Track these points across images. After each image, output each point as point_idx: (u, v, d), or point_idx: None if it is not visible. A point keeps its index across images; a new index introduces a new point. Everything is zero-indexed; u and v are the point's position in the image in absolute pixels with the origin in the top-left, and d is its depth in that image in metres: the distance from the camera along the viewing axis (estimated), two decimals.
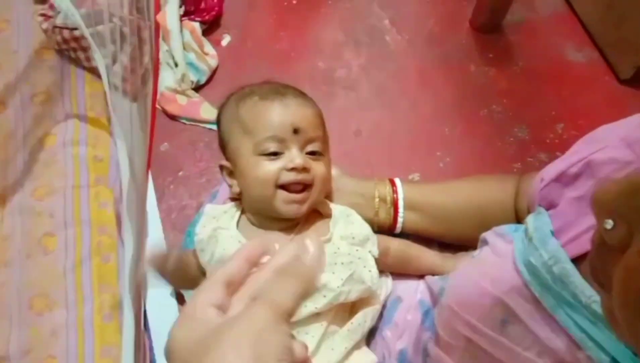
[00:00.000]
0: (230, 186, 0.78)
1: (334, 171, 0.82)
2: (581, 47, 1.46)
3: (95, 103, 1.21)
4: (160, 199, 1.16)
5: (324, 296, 0.67)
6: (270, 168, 0.71)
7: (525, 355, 0.53)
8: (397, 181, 0.85)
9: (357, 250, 0.73)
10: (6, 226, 1.05)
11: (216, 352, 0.31)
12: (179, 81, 1.27)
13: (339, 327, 0.69)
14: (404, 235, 0.88)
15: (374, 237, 0.76)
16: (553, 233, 0.55)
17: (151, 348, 1.00)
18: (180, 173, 1.20)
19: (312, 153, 0.73)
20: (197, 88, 1.31)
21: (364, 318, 0.71)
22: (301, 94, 0.78)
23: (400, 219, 0.82)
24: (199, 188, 1.19)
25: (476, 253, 0.67)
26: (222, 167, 0.79)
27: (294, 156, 0.71)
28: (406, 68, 1.39)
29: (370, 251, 0.74)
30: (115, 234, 1.05)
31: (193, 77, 1.29)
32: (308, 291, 0.35)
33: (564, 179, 0.60)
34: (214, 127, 1.24)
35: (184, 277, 0.80)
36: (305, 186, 0.72)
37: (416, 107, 1.32)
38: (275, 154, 0.71)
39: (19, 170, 1.10)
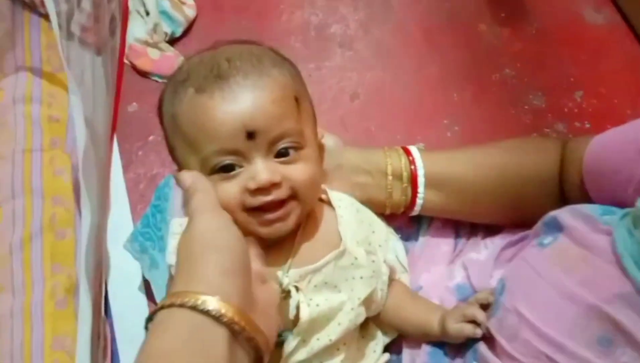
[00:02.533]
0: None
1: (331, 141, 0.65)
2: (600, 7, 1.34)
3: (53, 56, 1.05)
4: (127, 167, 1.03)
5: (339, 324, 0.55)
6: (228, 190, 0.53)
7: None
8: (414, 150, 0.68)
9: (373, 261, 0.59)
10: None
11: None
12: (150, 32, 1.14)
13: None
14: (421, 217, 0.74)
15: (394, 238, 0.63)
16: None
17: (113, 339, 0.87)
18: (151, 138, 1.06)
19: (283, 153, 0.54)
20: (172, 41, 1.18)
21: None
22: (254, 67, 0.55)
23: (419, 202, 0.67)
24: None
25: (546, 240, 0.53)
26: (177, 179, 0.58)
27: (256, 172, 0.52)
28: (410, 25, 1.26)
29: (385, 261, 0.60)
30: (72, 206, 0.91)
31: (167, 28, 1.16)
32: None
33: None
34: None
35: None
36: (283, 202, 0.54)
37: (421, 69, 1.20)
38: (230, 169, 0.53)
39: None
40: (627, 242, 0.43)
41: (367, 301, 0.58)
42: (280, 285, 0.54)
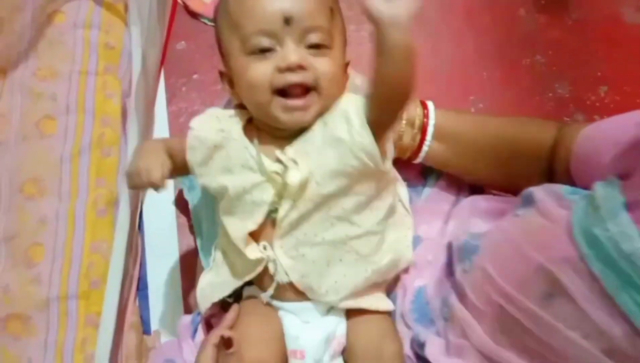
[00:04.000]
0: (231, 95, 0.68)
1: (359, 80, 0.71)
2: None
3: None
4: (170, 100, 1.11)
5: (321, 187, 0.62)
6: (261, 69, 0.59)
7: (568, 335, 0.48)
8: (430, 104, 0.75)
9: (340, 109, 0.63)
10: (4, 103, 0.99)
11: None
12: None
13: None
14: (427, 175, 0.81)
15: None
16: (626, 207, 0.48)
17: (143, 250, 0.96)
18: (195, 76, 1.13)
19: (313, 46, 0.60)
20: None
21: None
22: None
23: (425, 149, 0.74)
24: (212, 95, 1.12)
25: (520, 211, 0.60)
26: (221, 74, 0.67)
27: (287, 52, 0.59)
28: (454, 1, 1.30)
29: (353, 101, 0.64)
30: (119, 128, 0.99)
31: None
32: None
33: None
34: None
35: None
36: (307, 89, 0.60)
37: (457, 44, 1.24)
38: (266, 50, 0.59)
39: (24, 46, 1.02)
40: (581, 217, 0.50)
41: (336, 144, 0.62)
42: (280, 162, 0.62)
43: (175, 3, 1.08)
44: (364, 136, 0.60)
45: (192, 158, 0.66)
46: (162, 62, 1.06)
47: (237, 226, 0.64)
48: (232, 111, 0.69)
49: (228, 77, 0.66)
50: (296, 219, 0.62)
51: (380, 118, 0.61)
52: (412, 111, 0.73)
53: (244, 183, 0.63)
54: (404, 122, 0.73)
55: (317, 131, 0.63)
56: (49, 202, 0.91)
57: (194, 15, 1.18)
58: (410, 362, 0.63)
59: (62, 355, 0.83)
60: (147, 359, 0.87)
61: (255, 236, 0.65)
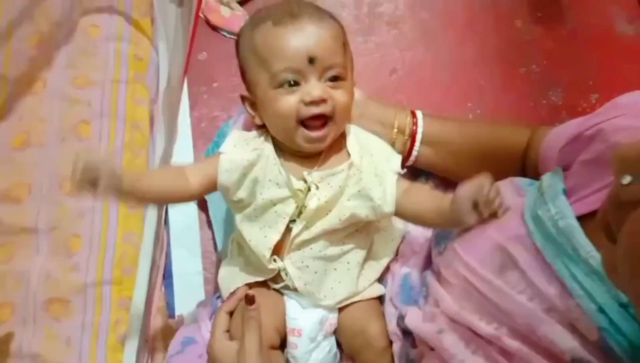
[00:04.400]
0: (252, 117, 0.75)
1: (358, 94, 0.80)
2: (633, 19, 1.42)
3: (141, 4, 1.21)
4: (192, 106, 1.20)
5: (336, 215, 0.71)
6: (289, 101, 0.68)
7: (517, 298, 0.57)
8: (419, 113, 0.84)
9: (376, 168, 0.73)
10: (45, 108, 1.09)
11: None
12: None
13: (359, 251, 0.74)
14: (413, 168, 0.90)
15: (396, 156, 0.77)
16: (565, 192, 0.57)
17: (168, 243, 1.06)
18: (215, 85, 1.22)
19: (332, 79, 0.69)
20: (242, 2, 1.31)
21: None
22: (318, 14, 0.71)
23: (414, 153, 0.83)
24: (230, 102, 1.22)
25: None
26: (243, 98, 0.76)
27: (312, 88, 0.68)
28: (453, 13, 1.38)
29: (392, 169, 0.74)
30: (147, 132, 1.09)
31: None
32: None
33: (579, 141, 0.61)
34: None
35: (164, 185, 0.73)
36: (326, 119, 0.70)
37: (457, 53, 1.32)
38: (293, 84, 0.68)
39: (61, 57, 1.13)
40: (530, 202, 0.59)
41: (363, 195, 0.72)
42: (306, 182, 0.71)
43: (197, 17, 1.17)
44: (390, 208, 0.72)
45: (227, 179, 0.72)
46: (185, 72, 1.16)
47: (261, 235, 0.73)
48: (254, 133, 0.76)
49: (250, 101, 0.74)
50: (306, 240, 0.72)
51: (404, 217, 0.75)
52: (403, 120, 0.82)
53: (272, 196, 0.71)
54: (395, 130, 0.82)
55: (345, 173, 0.72)
56: (86, 197, 1.00)
57: (214, 28, 1.27)
58: (397, 337, 0.72)
59: (98, 334, 0.93)
60: (171, 339, 0.97)
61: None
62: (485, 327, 0.59)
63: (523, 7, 1.40)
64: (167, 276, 1.05)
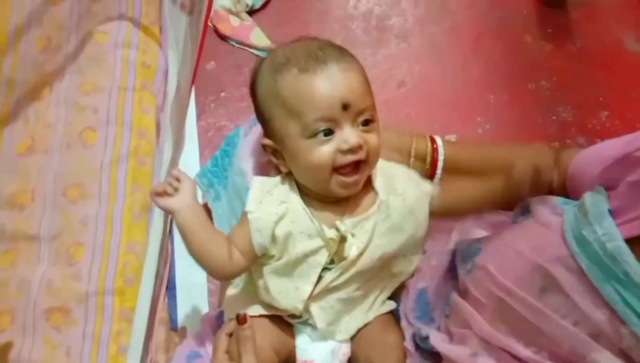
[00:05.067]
0: (276, 166, 0.72)
1: None
2: None
3: (151, 11, 1.21)
4: (199, 116, 1.19)
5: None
6: (324, 151, 0.65)
7: (561, 323, 0.55)
8: (439, 139, 0.81)
9: (404, 199, 0.71)
10: (50, 114, 1.08)
11: None
12: (234, 1, 1.27)
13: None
14: None
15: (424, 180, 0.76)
16: (610, 212, 0.56)
17: (172, 254, 1.05)
18: (223, 94, 1.22)
19: (364, 123, 0.66)
20: (251, 12, 1.31)
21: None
22: (341, 56, 0.68)
23: (435, 181, 0.79)
24: (238, 112, 1.21)
25: (519, 219, 0.68)
26: (265, 146, 0.71)
27: (348, 136, 0.65)
28: (463, 27, 1.38)
29: (426, 193, 0.73)
30: (153, 140, 1.08)
31: (249, 0, 1.29)
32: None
33: (628, 162, 0.59)
34: (262, 53, 1.25)
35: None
36: (359, 163, 0.67)
37: (465, 68, 1.32)
38: (327, 133, 0.65)
39: (69, 63, 1.12)
40: (571, 222, 0.57)
41: (396, 233, 0.70)
42: (338, 230, 0.68)
43: (206, 26, 1.16)
44: (423, 230, 0.72)
45: (260, 239, 0.69)
46: (193, 81, 1.15)
47: (291, 287, 0.70)
48: (276, 180, 0.73)
49: (272, 149, 0.70)
50: (341, 283, 0.70)
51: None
52: (422, 146, 0.79)
53: (305, 249, 0.69)
54: (412, 158, 0.79)
55: (376, 214, 0.70)
56: (90, 205, 1.00)
57: (222, 37, 1.27)
58: (409, 353, 0.70)
59: (98, 345, 0.91)
60: (173, 352, 0.95)
61: None
62: (524, 350, 0.57)
63: (533, 22, 1.40)
64: (171, 287, 1.03)
